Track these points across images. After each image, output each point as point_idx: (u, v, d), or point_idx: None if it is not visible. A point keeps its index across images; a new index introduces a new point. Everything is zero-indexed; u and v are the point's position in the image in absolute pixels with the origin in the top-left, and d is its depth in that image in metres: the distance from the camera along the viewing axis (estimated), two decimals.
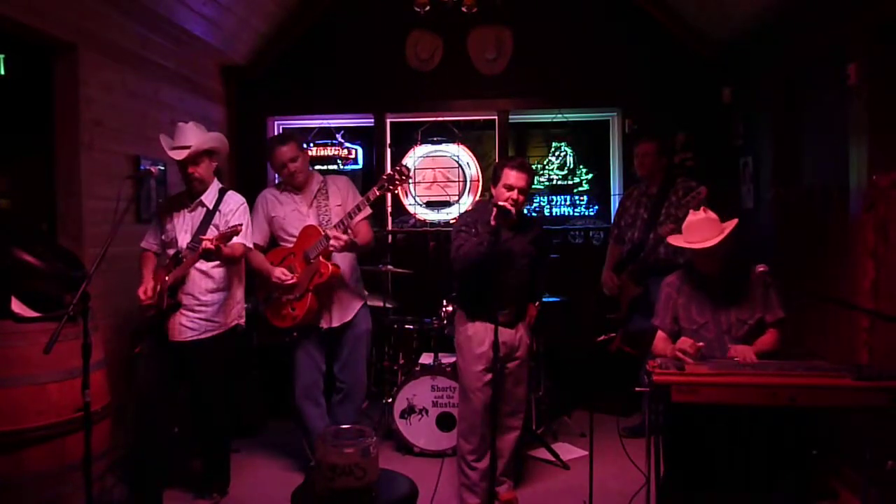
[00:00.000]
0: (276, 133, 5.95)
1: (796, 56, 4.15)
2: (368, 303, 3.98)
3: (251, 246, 3.54)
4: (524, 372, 3.53)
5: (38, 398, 2.94)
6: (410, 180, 3.43)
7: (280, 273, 3.60)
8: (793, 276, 3.97)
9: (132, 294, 3.70)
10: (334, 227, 3.53)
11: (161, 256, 3.55)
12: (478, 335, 3.40)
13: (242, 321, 3.62)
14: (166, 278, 3.33)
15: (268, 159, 3.86)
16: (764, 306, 3.01)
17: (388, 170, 3.40)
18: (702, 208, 3.10)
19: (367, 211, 3.68)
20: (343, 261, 3.72)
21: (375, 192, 3.42)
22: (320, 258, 3.55)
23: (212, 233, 3.36)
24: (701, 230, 2.99)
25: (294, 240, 3.71)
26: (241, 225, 3.23)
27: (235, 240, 3.33)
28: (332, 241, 3.44)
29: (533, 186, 3.48)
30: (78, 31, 3.76)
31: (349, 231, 3.55)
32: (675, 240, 3.13)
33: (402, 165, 3.37)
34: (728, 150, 5.13)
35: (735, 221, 3.02)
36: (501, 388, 3.41)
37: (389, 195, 5.35)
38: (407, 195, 5.72)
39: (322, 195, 3.78)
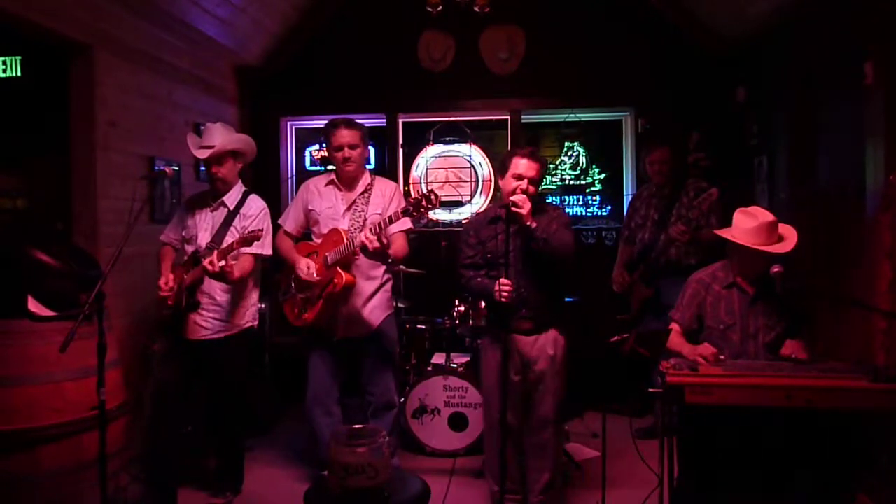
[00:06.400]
0: (287, 133, 5.98)
1: (812, 54, 4.11)
2: None
3: (269, 254, 3.51)
4: (546, 387, 3.22)
5: (53, 396, 2.97)
6: (435, 210, 3.16)
7: (305, 265, 3.43)
8: (809, 278, 3.94)
9: (147, 293, 3.74)
10: (368, 229, 3.17)
11: (179, 252, 3.58)
12: (497, 343, 3.21)
13: (256, 323, 3.63)
14: (185, 277, 3.36)
15: (323, 139, 3.68)
16: (794, 314, 2.98)
17: (416, 193, 3.19)
18: (754, 207, 3.05)
19: (407, 223, 3.44)
20: (370, 269, 3.57)
21: (399, 214, 3.13)
22: (337, 268, 3.36)
23: (231, 235, 3.39)
24: (764, 233, 2.92)
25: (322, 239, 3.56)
26: (261, 230, 3.23)
27: (252, 249, 3.35)
28: (364, 242, 3.12)
29: (545, 186, 3.39)
30: (93, 32, 3.80)
31: (383, 239, 3.16)
32: (741, 238, 2.94)
33: (433, 192, 3.01)
34: (742, 150, 5.10)
35: (794, 231, 2.99)
36: (524, 404, 3.27)
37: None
38: (418, 193, 5.72)
39: (364, 199, 3.58)
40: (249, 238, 3.15)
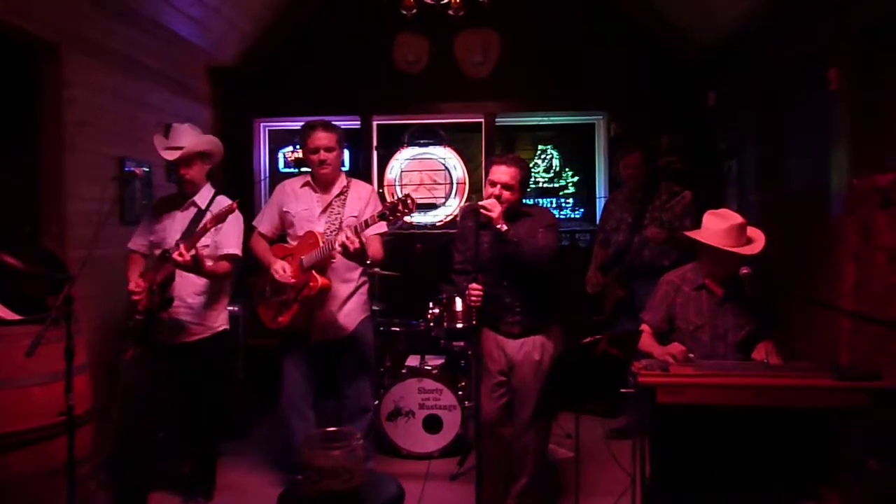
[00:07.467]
0: (261, 135, 5.94)
1: (780, 59, 4.19)
2: None
3: (239, 254, 3.45)
4: (528, 392, 3.20)
5: (21, 402, 2.92)
6: (411, 214, 3.19)
7: (279, 267, 3.39)
8: (776, 278, 4.01)
9: (116, 297, 3.67)
10: (349, 229, 3.16)
11: (148, 258, 3.52)
12: (486, 344, 3.29)
13: (227, 326, 3.60)
14: (156, 277, 3.30)
15: (299, 141, 3.62)
16: (763, 315, 3.03)
17: (391, 196, 3.20)
18: (724, 209, 3.10)
19: (382, 227, 3.42)
20: (346, 272, 3.56)
21: (375, 217, 3.13)
22: (313, 271, 3.34)
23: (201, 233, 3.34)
24: (733, 234, 2.95)
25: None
26: (236, 203, 3.15)
27: (226, 249, 3.33)
28: (345, 242, 3.09)
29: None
30: (62, 31, 3.74)
31: (363, 239, 3.18)
32: (712, 239, 2.96)
33: (409, 197, 3.00)
34: (713, 153, 5.18)
35: (762, 234, 3.03)
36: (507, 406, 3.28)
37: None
38: (393, 196, 5.72)
39: (340, 201, 3.57)
40: (224, 213, 3.10)
